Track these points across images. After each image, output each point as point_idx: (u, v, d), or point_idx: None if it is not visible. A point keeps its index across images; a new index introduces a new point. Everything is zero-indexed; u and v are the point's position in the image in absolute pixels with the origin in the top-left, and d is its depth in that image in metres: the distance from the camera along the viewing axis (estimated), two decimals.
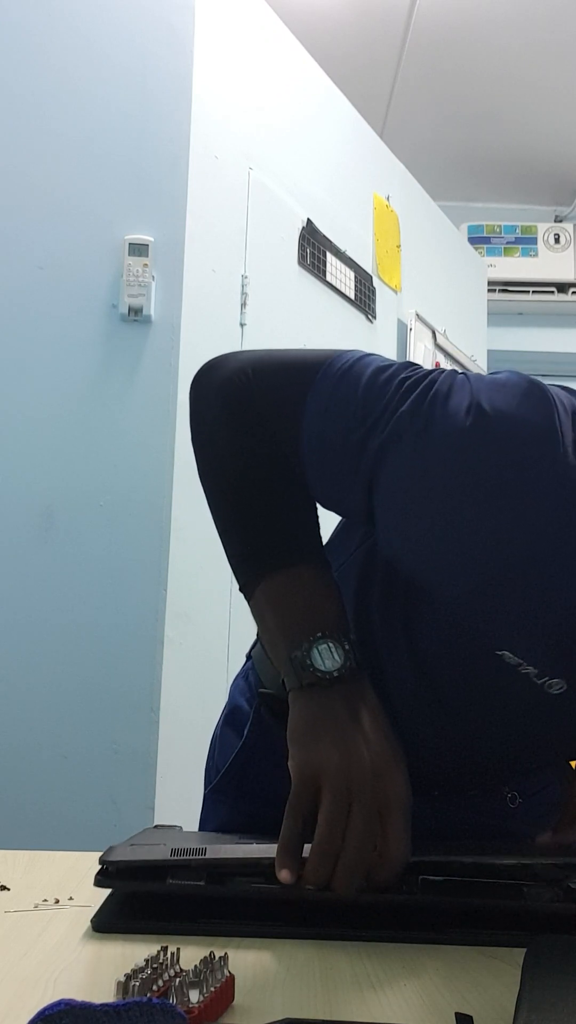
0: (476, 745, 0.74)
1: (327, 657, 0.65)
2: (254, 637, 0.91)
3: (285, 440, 0.71)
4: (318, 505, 0.75)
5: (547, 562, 0.58)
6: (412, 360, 2.81)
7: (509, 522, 0.58)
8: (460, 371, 0.66)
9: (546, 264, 4.03)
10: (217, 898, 0.64)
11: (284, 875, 0.59)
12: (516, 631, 0.62)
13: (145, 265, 1.85)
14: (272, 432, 0.72)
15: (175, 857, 0.64)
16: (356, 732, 0.62)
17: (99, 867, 0.64)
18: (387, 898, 0.62)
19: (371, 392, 0.66)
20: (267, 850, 0.62)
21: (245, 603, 0.75)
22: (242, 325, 2.04)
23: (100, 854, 0.66)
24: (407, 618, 0.72)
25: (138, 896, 0.66)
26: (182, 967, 0.49)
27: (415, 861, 0.62)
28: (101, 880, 0.64)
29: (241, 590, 0.74)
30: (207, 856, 0.65)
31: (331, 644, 0.66)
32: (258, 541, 0.74)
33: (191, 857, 0.64)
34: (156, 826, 0.87)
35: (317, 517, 0.75)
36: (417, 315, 2.92)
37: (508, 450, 0.58)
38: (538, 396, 0.60)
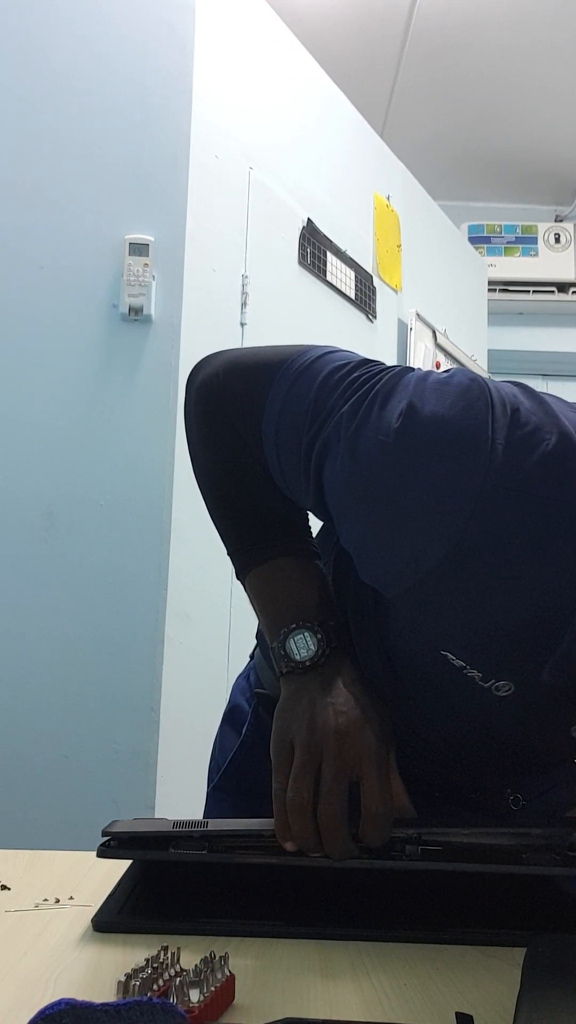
0: (451, 747, 0.74)
1: (301, 647, 0.68)
2: (255, 638, 0.92)
3: (252, 441, 0.72)
4: None
5: (469, 568, 0.57)
6: (411, 358, 2.82)
7: (429, 529, 0.57)
8: (413, 370, 0.65)
9: (546, 264, 4.03)
10: (218, 871, 0.65)
11: (289, 846, 0.62)
12: (452, 633, 0.62)
13: (145, 265, 1.85)
14: (241, 434, 0.73)
15: (177, 829, 0.65)
16: (326, 702, 0.65)
17: (102, 841, 0.65)
18: (387, 864, 0.62)
19: (322, 393, 0.66)
20: (268, 823, 0.63)
21: (245, 603, 0.78)
22: (242, 325, 2.04)
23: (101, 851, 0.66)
24: (377, 614, 0.73)
25: (139, 888, 0.66)
26: (182, 967, 0.49)
27: (415, 832, 0.63)
28: (104, 851, 0.64)
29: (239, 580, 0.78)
30: (209, 828, 0.66)
31: (306, 634, 0.68)
32: (240, 537, 0.77)
33: (193, 829, 0.65)
34: None
35: (299, 509, 0.76)
36: (417, 315, 2.92)
37: (431, 454, 0.57)
38: (475, 395, 0.58)
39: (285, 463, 0.69)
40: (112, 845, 0.65)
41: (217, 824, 0.67)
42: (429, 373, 0.64)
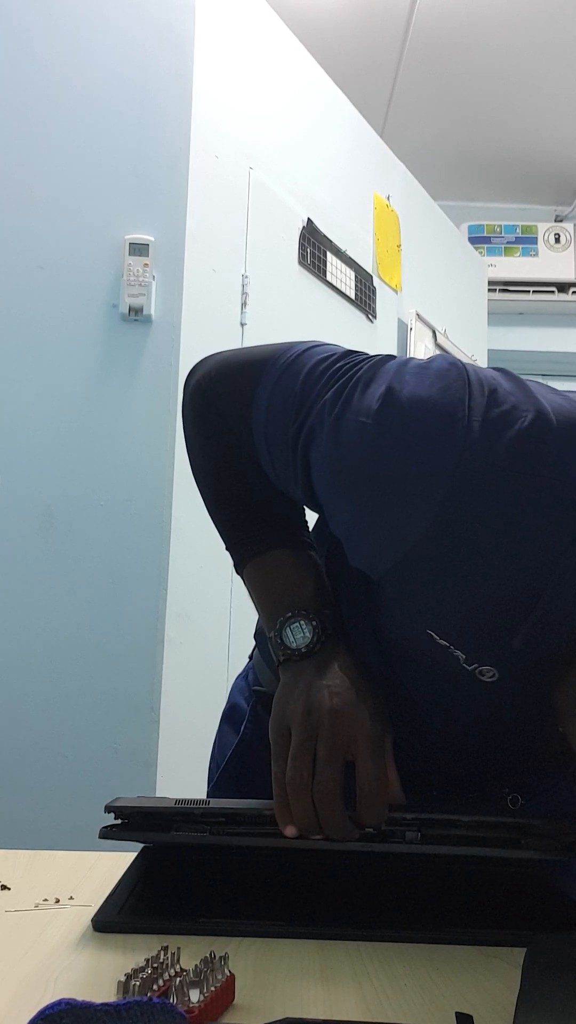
0: (445, 739, 0.74)
1: (298, 635, 0.69)
2: (254, 638, 0.92)
3: (244, 437, 0.73)
4: None
5: (448, 544, 0.58)
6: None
7: (407, 507, 0.58)
8: (394, 357, 0.66)
9: (546, 264, 4.02)
10: (220, 862, 0.66)
11: (290, 831, 0.62)
12: (435, 611, 0.62)
13: (146, 265, 1.85)
14: (234, 431, 0.75)
15: (180, 806, 0.66)
16: (322, 685, 0.66)
17: (104, 826, 0.65)
18: (386, 847, 0.63)
19: (307, 384, 0.67)
20: (270, 803, 0.64)
21: (245, 603, 0.79)
22: (242, 325, 2.04)
23: (100, 853, 0.66)
24: (369, 601, 0.73)
25: (140, 887, 0.66)
26: (182, 967, 0.49)
27: (417, 817, 0.63)
28: (107, 832, 0.65)
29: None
30: (211, 806, 0.67)
31: (302, 622, 0.70)
32: (237, 531, 0.79)
33: (195, 807, 0.66)
34: None
35: (294, 502, 0.77)
36: (417, 315, 2.92)
37: (408, 433, 0.58)
38: (453, 377, 0.59)
39: (275, 455, 0.71)
40: (116, 826, 0.66)
41: (219, 803, 0.68)
42: (410, 359, 0.65)
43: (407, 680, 0.72)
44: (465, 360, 0.64)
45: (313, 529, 0.82)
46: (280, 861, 0.69)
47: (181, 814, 0.66)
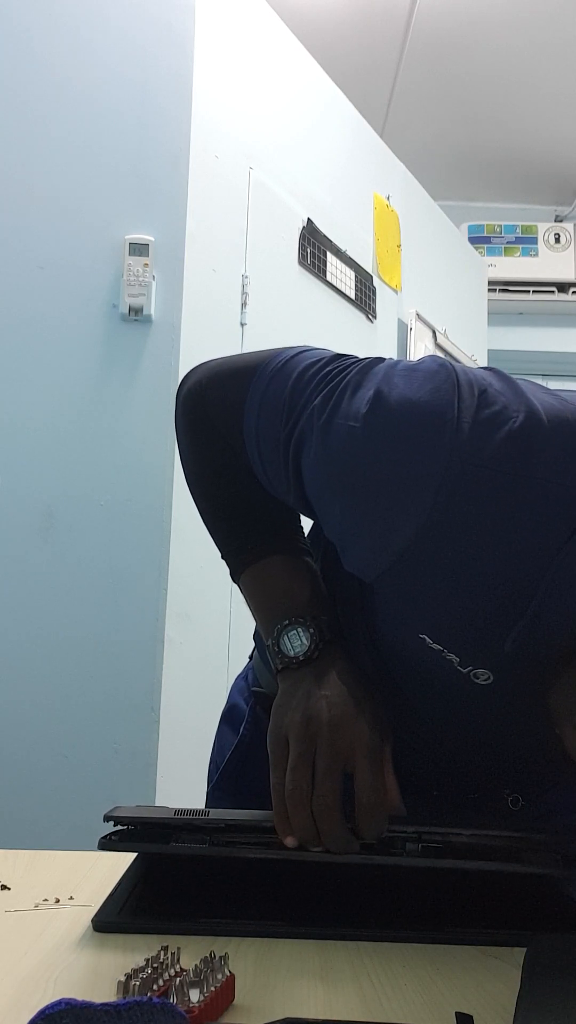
0: (442, 741, 0.74)
1: (295, 642, 0.69)
2: (253, 639, 0.92)
3: (236, 445, 0.73)
4: None
5: (439, 547, 0.57)
6: (411, 359, 2.82)
7: (397, 509, 0.58)
8: (384, 360, 0.65)
9: (546, 264, 4.03)
10: (220, 865, 0.65)
11: (290, 841, 0.62)
12: (427, 615, 0.62)
13: (146, 265, 1.85)
14: (225, 439, 0.74)
15: (179, 817, 0.66)
16: (320, 695, 0.66)
17: (102, 836, 0.65)
18: (387, 860, 0.63)
19: (296, 389, 0.67)
20: (270, 815, 0.64)
21: (245, 603, 0.78)
22: (242, 325, 2.04)
23: (100, 853, 0.66)
24: (364, 605, 0.73)
25: (140, 887, 0.66)
26: (182, 967, 0.49)
27: (417, 831, 0.63)
28: (106, 843, 0.65)
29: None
30: (211, 817, 0.66)
31: (299, 629, 0.69)
32: (232, 539, 0.78)
33: (195, 817, 0.66)
34: None
35: (288, 508, 0.77)
36: (417, 315, 2.92)
37: (397, 436, 0.58)
38: (441, 379, 0.59)
39: (267, 462, 0.70)
40: (114, 838, 0.66)
41: (219, 814, 0.68)
42: (399, 361, 0.64)
43: (404, 683, 0.72)
44: (465, 360, 0.64)
45: (309, 534, 0.82)
46: (280, 862, 0.69)
47: (180, 824, 0.65)
